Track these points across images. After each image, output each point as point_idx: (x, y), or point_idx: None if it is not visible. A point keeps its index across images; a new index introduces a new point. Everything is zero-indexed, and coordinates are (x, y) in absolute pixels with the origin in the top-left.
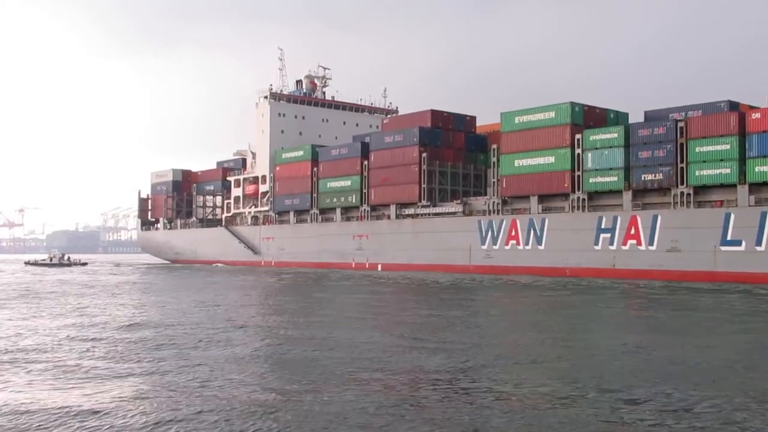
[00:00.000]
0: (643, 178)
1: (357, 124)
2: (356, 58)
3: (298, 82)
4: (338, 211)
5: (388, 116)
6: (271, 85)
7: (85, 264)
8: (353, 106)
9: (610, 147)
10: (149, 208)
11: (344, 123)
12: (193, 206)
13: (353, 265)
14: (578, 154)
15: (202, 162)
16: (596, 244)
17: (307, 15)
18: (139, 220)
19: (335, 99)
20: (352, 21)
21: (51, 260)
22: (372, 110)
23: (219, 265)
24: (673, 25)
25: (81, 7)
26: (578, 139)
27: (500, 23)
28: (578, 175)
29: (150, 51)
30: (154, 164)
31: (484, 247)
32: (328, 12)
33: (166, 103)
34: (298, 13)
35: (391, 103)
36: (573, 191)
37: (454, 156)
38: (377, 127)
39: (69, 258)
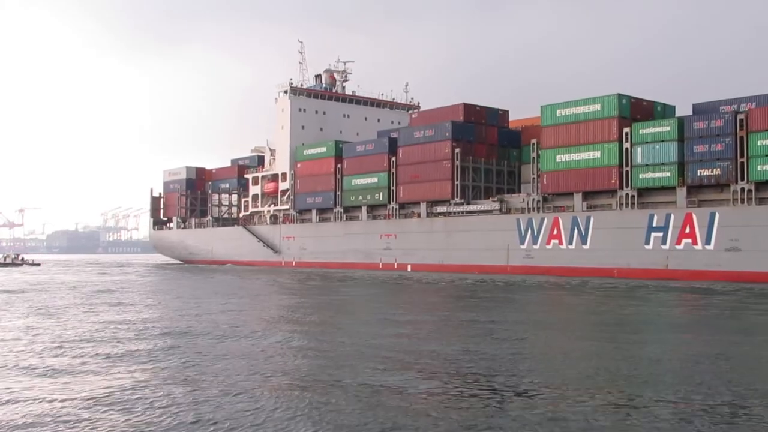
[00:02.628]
0: (699, 174)
1: (379, 120)
2: (357, 57)
3: (317, 77)
4: (364, 209)
5: (410, 111)
6: (291, 79)
7: (37, 265)
8: (374, 101)
9: (662, 141)
10: (161, 206)
11: (366, 118)
12: (209, 205)
13: (380, 266)
14: (626, 148)
15: (203, 161)
16: (647, 243)
17: (308, 15)
18: (152, 219)
19: (356, 94)
20: (353, 20)
21: (5, 260)
22: (393, 105)
23: (229, 265)
24: (673, 22)
25: (81, 6)
26: (626, 133)
27: (501, 21)
28: (626, 171)
29: (152, 50)
30: (155, 164)
31: (524, 246)
32: (328, 11)
33: (169, 102)
34: (299, 12)
35: (413, 98)
36: (621, 187)
37: (486, 152)
38: (399, 122)
39: (23, 258)
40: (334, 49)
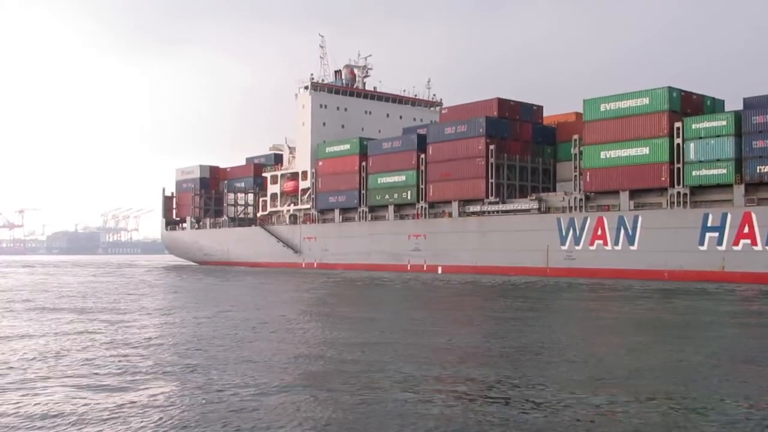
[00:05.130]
0: (758, 171)
1: (401, 117)
2: (357, 57)
3: (337, 72)
4: (391, 208)
5: (440, 108)
6: (311, 74)
7: None
8: (397, 97)
9: (717, 136)
10: (174, 206)
11: (387, 115)
12: (224, 204)
13: (408, 267)
14: (678, 144)
15: (204, 161)
16: (701, 244)
17: (308, 15)
18: (164, 220)
19: (377, 90)
20: (353, 20)
21: None
22: (415, 102)
23: (243, 267)
24: (673, 22)
25: (81, 6)
26: (678, 128)
27: (501, 22)
28: (678, 168)
29: (151, 50)
30: (155, 164)
31: (565, 247)
32: (328, 12)
33: (169, 102)
34: (299, 12)
35: (435, 95)
36: (672, 185)
37: (521, 149)
38: (421, 119)
39: None
40: (335, 49)
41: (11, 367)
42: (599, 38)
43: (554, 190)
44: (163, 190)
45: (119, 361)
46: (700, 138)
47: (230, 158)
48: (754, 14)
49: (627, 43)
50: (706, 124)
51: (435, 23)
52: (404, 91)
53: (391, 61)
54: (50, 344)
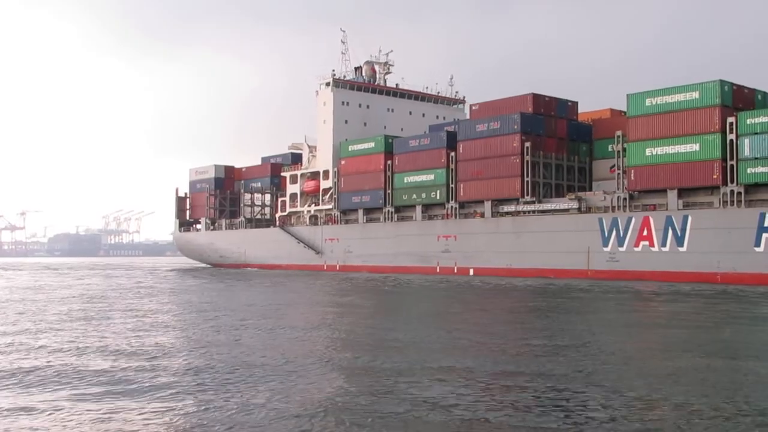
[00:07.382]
0: None
1: (423, 114)
2: (359, 57)
3: (357, 69)
4: (418, 208)
5: (455, 105)
6: (333, 70)
7: None
8: (419, 94)
9: None
10: (188, 207)
11: (410, 113)
12: (240, 205)
13: (438, 270)
14: (731, 140)
15: (206, 162)
16: (757, 245)
17: (308, 15)
18: (177, 221)
19: (399, 87)
20: (354, 21)
21: None
22: (438, 99)
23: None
24: (674, 21)
25: (82, 7)
26: (731, 123)
27: (501, 22)
28: (731, 165)
29: (152, 52)
30: (156, 166)
31: (608, 249)
32: (329, 12)
33: (170, 104)
34: (299, 11)
35: (457, 92)
36: (724, 183)
37: (556, 146)
38: (444, 117)
39: None
40: (337, 49)
41: None
42: (599, 38)
43: (590, 189)
44: (176, 190)
45: None
46: (756, 134)
47: (234, 158)
48: (756, 13)
49: (628, 42)
50: (762, 119)
51: (435, 23)
52: (426, 88)
53: (395, 61)
54: None
